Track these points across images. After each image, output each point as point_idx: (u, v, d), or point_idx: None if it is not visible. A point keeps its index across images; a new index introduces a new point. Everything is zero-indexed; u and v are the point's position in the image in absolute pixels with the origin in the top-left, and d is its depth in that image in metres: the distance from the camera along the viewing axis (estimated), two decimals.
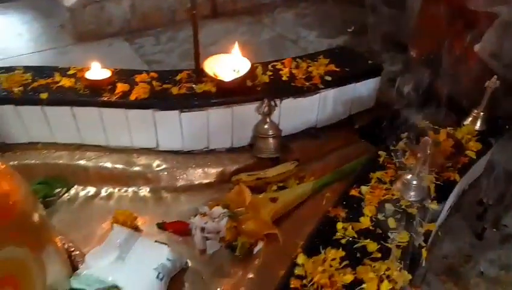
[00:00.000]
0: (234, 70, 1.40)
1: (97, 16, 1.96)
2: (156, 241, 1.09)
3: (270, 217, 1.17)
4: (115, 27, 2.02)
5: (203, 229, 1.18)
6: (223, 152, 1.44)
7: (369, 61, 1.59)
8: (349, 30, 2.23)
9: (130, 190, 1.35)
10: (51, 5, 2.17)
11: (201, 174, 1.38)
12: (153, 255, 1.03)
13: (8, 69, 1.40)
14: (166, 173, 1.36)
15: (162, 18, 2.15)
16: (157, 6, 2.12)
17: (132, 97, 1.31)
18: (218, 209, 1.21)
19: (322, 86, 1.44)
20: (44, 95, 1.29)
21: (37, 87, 1.33)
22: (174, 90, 1.36)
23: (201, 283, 1.07)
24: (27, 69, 1.40)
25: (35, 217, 0.80)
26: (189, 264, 1.11)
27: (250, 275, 1.08)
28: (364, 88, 1.56)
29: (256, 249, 1.14)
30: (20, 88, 1.31)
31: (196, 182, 1.37)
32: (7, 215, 0.72)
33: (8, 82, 1.33)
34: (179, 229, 1.19)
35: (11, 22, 2.18)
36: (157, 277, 0.99)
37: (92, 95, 1.32)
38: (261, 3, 2.56)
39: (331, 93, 1.48)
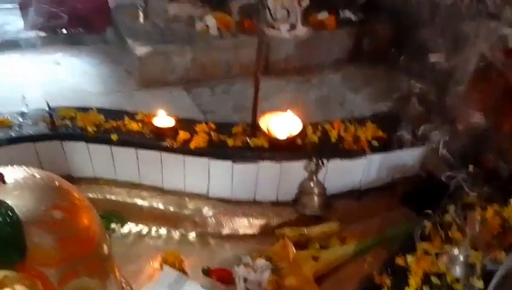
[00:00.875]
0: (287, 129, 1.49)
1: (162, 66, 2.14)
2: (202, 286, 1.14)
3: (312, 275, 1.20)
4: (176, 76, 2.19)
5: (245, 280, 1.22)
6: (267, 204, 1.51)
7: (415, 130, 1.65)
8: (395, 96, 2.31)
9: (178, 232, 1.42)
10: (119, 51, 2.39)
11: (246, 224, 1.44)
12: None
13: (84, 109, 1.56)
14: (213, 219, 1.43)
15: (218, 71, 2.31)
16: (215, 60, 2.29)
17: (192, 145, 1.42)
18: (261, 261, 1.26)
19: (369, 151, 1.50)
20: (114, 136, 1.42)
21: (109, 128, 1.47)
22: (230, 142, 1.46)
23: None
24: (100, 110, 1.55)
25: (105, 248, 0.88)
26: None
27: None
28: (409, 155, 1.61)
29: None
30: (94, 128, 1.45)
31: (241, 232, 1.43)
32: (87, 247, 0.80)
33: (83, 121, 1.48)
34: (222, 277, 1.24)
35: (83, 64, 2.41)
36: None
37: (156, 140, 1.44)
38: (311, 64, 2.70)
39: (376, 158, 1.53)
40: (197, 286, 1.13)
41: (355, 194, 1.57)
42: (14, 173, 0.81)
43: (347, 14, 2.83)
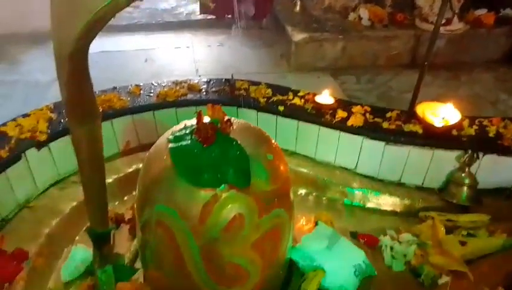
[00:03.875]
0: (443, 118, 1.54)
1: (314, 52, 2.33)
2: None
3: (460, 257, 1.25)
4: (325, 63, 2.36)
5: (391, 249, 1.33)
6: (412, 188, 1.57)
7: None
8: None
9: (327, 199, 1.58)
10: (276, 37, 2.65)
11: (390, 202, 1.54)
12: (352, 255, 1.22)
13: (255, 83, 1.81)
14: (360, 192, 1.56)
15: (365, 61, 2.42)
16: (364, 50, 2.39)
17: (349, 123, 1.56)
18: (407, 236, 1.36)
19: None
20: (281, 108, 1.63)
21: (276, 101, 1.69)
22: (385, 125, 1.56)
23: None
24: (268, 86, 1.79)
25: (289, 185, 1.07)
26: (376, 274, 1.26)
27: None
28: None
29: (441, 281, 1.23)
30: (264, 99, 1.69)
31: (385, 208, 1.53)
32: (286, 187, 1.01)
33: (255, 93, 1.73)
34: (369, 242, 1.36)
35: (243, 46, 2.73)
36: (354, 273, 1.18)
37: (317, 115, 1.61)
38: (460, 61, 2.62)
39: None
40: (349, 242, 1.27)
41: (507, 192, 1.54)
42: (235, 122, 1.05)
43: (508, 12, 2.66)
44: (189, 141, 0.95)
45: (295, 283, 1.14)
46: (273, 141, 1.06)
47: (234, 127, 1.01)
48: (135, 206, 1.02)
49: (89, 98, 0.81)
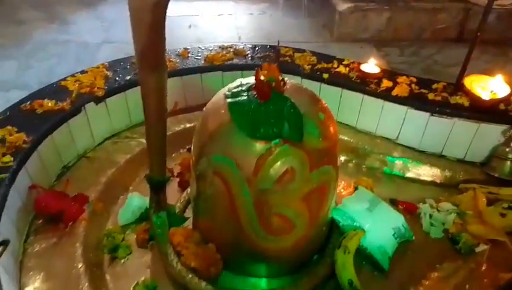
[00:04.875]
0: (492, 92, 1.52)
1: (358, 22, 2.30)
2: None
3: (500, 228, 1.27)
4: (368, 34, 2.33)
5: (430, 216, 1.36)
6: (453, 160, 1.58)
7: None
8: None
9: (366, 166, 1.61)
10: (319, 7, 2.63)
11: (431, 173, 1.55)
12: (392, 218, 1.26)
13: (299, 50, 1.83)
14: (401, 162, 1.58)
15: (410, 33, 2.37)
16: (409, 23, 2.34)
17: (394, 93, 1.57)
18: (446, 205, 1.38)
19: None
20: (326, 75, 1.65)
21: (321, 68, 1.71)
22: (430, 96, 1.56)
23: (420, 258, 1.25)
24: (313, 53, 1.81)
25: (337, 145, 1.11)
26: (414, 239, 1.30)
27: (470, 268, 1.21)
28: None
29: (478, 249, 1.26)
30: (309, 66, 1.71)
31: (425, 179, 1.55)
32: (334, 146, 1.05)
33: (299, 60, 1.75)
34: (408, 209, 1.40)
35: (285, 15, 2.72)
36: (393, 235, 1.22)
37: (361, 84, 1.62)
38: (509, 37, 2.52)
39: None
40: (389, 206, 1.30)
41: None
42: (288, 83, 1.08)
43: None
44: (246, 97, 1.00)
45: (336, 240, 1.20)
46: (324, 103, 1.10)
47: (288, 86, 1.06)
48: (192, 157, 1.09)
49: (162, 49, 0.86)
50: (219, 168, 0.99)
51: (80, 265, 1.12)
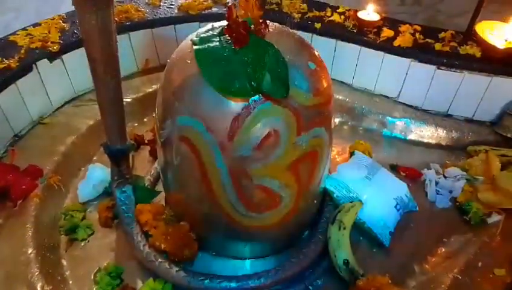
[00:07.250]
0: (506, 40, 1.32)
1: None
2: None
3: None
4: None
5: (436, 183, 1.20)
6: (461, 120, 1.41)
7: None
8: None
9: (363, 128, 1.44)
10: None
11: (435, 135, 1.38)
12: (393, 187, 1.10)
13: None
14: (402, 122, 1.40)
15: None
16: None
17: (395, 43, 1.37)
18: (454, 170, 1.22)
19: None
20: (318, 25, 1.44)
21: (312, 17, 1.49)
22: (437, 46, 1.36)
23: (425, 232, 1.10)
24: (303, 0, 1.58)
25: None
26: (418, 209, 1.15)
27: (482, 241, 1.07)
28: None
29: (490, 220, 1.11)
30: (298, 15, 1.49)
31: (429, 141, 1.38)
32: (327, 102, 0.87)
33: (288, 7, 1.53)
34: (411, 175, 1.23)
35: None
36: (395, 206, 1.07)
37: (358, 34, 1.42)
38: None
39: None
40: (390, 173, 1.14)
41: None
42: (271, 25, 0.88)
43: None
44: (218, 43, 0.80)
45: (329, 214, 1.04)
46: (315, 50, 0.90)
47: (270, 30, 0.86)
48: (156, 121, 0.90)
49: None
50: (186, 132, 0.80)
51: (30, 250, 0.96)
